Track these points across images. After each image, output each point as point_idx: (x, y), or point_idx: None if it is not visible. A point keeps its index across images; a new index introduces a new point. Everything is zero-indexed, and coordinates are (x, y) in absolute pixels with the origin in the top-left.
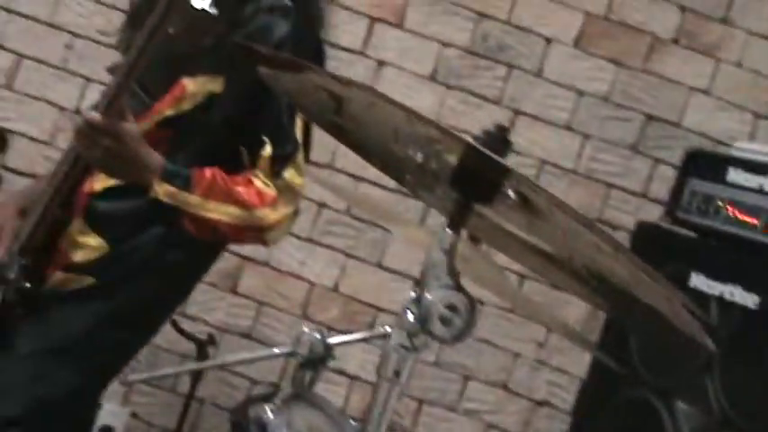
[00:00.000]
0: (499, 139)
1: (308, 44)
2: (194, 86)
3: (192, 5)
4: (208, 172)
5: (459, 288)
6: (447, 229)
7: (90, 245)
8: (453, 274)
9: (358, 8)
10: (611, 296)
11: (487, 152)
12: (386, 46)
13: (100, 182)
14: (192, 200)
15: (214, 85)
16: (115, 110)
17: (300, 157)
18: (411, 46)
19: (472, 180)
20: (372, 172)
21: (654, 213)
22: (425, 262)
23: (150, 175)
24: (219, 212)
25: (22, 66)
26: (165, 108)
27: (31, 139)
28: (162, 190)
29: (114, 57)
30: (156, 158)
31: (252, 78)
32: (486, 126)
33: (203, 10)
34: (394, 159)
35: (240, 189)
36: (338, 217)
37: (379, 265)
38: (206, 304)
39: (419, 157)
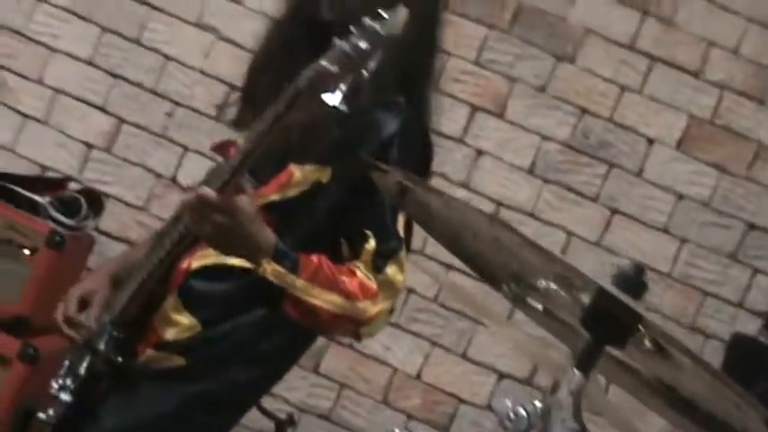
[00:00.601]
0: (635, 280)
1: (415, 143)
2: (302, 174)
3: (323, 102)
4: (315, 257)
5: None
6: (575, 370)
7: (183, 323)
8: (579, 419)
9: (460, 95)
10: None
11: (622, 298)
12: (485, 135)
13: (198, 260)
14: (299, 283)
15: (321, 174)
16: (231, 187)
17: (403, 254)
18: (511, 137)
19: (604, 322)
20: None
21: (750, 325)
22: (549, 400)
23: (260, 254)
24: (323, 299)
25: (123, 130)
26: (271, 193)
27: (126, 203)
28: (270, 269)
29: (213, 128)
30: (268, 237)
31: (358, 171)
32: (618, 263)
33: (334, 107)
34: (491, 267)
35: (344, 279)
36: (426, 304)
37: (464, 356)
38: (287, 382)
39: (542, 284)
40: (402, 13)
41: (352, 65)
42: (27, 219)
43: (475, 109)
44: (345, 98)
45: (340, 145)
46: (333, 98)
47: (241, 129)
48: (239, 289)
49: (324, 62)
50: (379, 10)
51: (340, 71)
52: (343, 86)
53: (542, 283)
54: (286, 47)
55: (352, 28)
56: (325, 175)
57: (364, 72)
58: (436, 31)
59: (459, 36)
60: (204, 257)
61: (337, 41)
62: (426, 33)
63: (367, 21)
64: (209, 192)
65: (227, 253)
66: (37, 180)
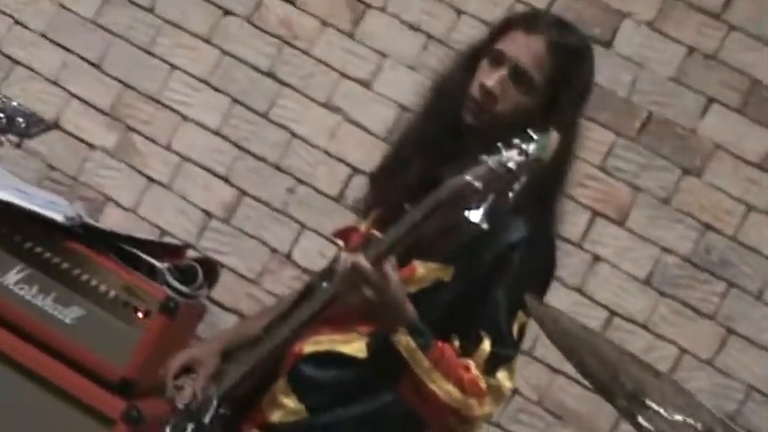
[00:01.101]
0: None
1: (541, 250)
2: (425, 271)
3: (464, 216)
4: (440, 343)
5: None
6: None
7: (289, 407)
8: None
9: (583, 200)
10: None
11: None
12: (604, 242)
13: (310, 345)
14: (425, 364)
15: (444, 273)
16: (382, 259)
17: (516, 362)
18: (630, 246)
19: None
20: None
21: None
22: None
23: (400, 324)
24: (439, 387)
25: (244, 202)
26: None
27: (239, 275)
28: (405, 341)
29: (332, 209)
30: (411, 310)
31: (481, 273)
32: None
33: (475, 225)
34: (607, 383)
35: (461, 372)
36: (529, 406)
37: None
38: None
39: (664, 413)
40: (553, 137)
41: (498, 184)
42: (144, 282)
43: (596, 214)
44: (486, 216)
45: (466, 246)
46: (475, 215)
47: (366, 215)
48: (348, 379)
49: (469, 177)
50: (529, 130)
51: (484, 188)
52: (485, 204)
53: (665, 413)
54: (422, 144)
55: (500, 145)
56: (447, 274)
57: (509, 193)
58: (575, 149)
59: (587, 140)
60: (317, 344)
61: (484, 157)
62: (567, 153)
63: (517, 141)
64: (364, 261)
65: (369, 319)
66: (157, 245)
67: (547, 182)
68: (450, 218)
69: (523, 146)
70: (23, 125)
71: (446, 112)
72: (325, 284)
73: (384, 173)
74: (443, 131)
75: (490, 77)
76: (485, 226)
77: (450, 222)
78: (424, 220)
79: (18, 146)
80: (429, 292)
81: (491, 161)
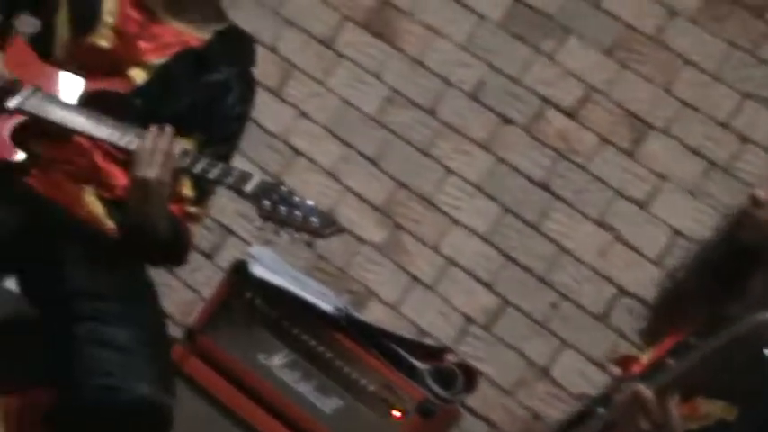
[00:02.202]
0: None
1: None
2: (708, 409)
3: (760, 356)
4: None
5: None
6: None
7: None
8: None
9: None
10: None
11: None
12: None
13: None
14: None
15: (728, 413)
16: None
17: None
18: None
19: None
20: None
21: None
22: None
23: None
24: None
25: (506, 312)
26: None
27: (494, 384)
28: None
29: (595, 329)
30: None
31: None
32: None
33: None
34: None
35: None
36: None
37: None
38: None
39: None
40: None
41: None
42: (404, 381)
43: None
44: None
45: (756, 386)
46: None
47: (648, 342)
48: None
49: None
50: None
51: None
52: None
53: None
54: (710, 270)
55: None
56: (732, 414)
57: None
58: None
59: None
60: None
61: None
62: None
63: None
64: (647, 391)
65: None
66: (418, 345)
67: None
68: (743, 355)
69: None
70: (317, 225)
71: (741, 236)
72: (600, 410)
73: (668, 299)
74: (733, 257)
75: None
76: None
77: (742, 360)
78: (714, 355)
79: (309, 245)
80: (711, 431)
81: None
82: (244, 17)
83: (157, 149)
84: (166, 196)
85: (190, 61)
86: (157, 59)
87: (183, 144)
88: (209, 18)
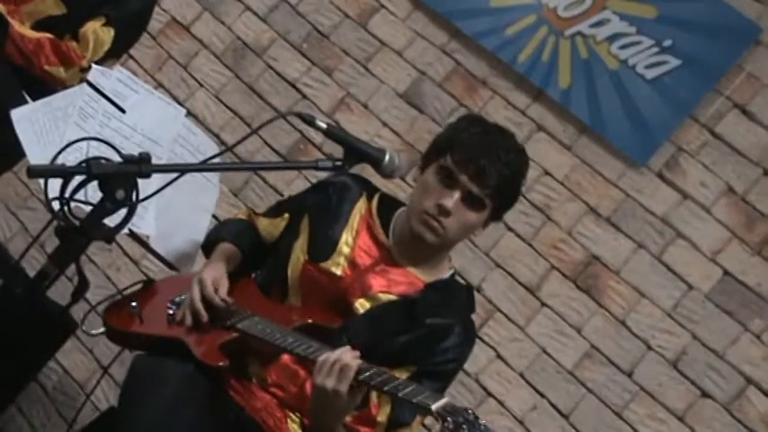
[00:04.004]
0: None
1: None
2: None
3: None
4: None
5: None
6: None
7: None
8: None
9: None
10: None
11: None
12: None
13: None
14: None
15: None
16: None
17: None
18: None
19: None
20: None
21: None
22: None
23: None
24: None
25: None
26: None
27: None
28: None
29: None
30: None
31: None
32: None
33: None
34: None
35: None
36: None
37: None
38: None
39: None
40: None
41: None
42: None
43: None
44: None
45: None
46: None
47: None
48: None
49: None
50: None
51: None
52: None
53: None
54: None
55: None
56: None
57: None
58: None
59: None
60: None
61: None
62: None
63: None
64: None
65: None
66: None
67: None
68: None
69: None
70: None
71: None
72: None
73: None
74: None
75: None
76: None
77: None
78: None
79: None
80: None
81: None
82: (455, 255)
83: (339, 360)
84: (342, 408)
85: (414, 302)
86: (384, 295)
87: (395, 373)
88: (437, 265)
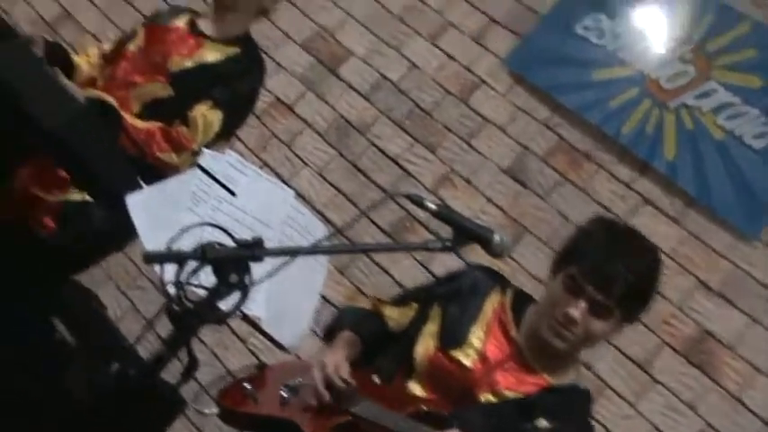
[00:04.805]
0: None
1: None
2: None
3: None
4: None
5: None
6: None
7: None
8: None
9: None
10: None
11: None
12: None
13: None
14: None
15: None
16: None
17: None
18: None
19: None
20: None
21: None
22: None
23: None
24: None
25: None
26: None
27: None
28: None
29: None
30: None
31: None
32: None
33: None
34: None
35: None
36: None
37: None
38: None
39: None
40: None
41: None
42: None
43: None
44: None
45: None
46: None
47: None
48: None
49: None
50: None
51: None
52: None
53: None
54: None
55: None
56: None
57: None
58: None
59: None
60: None
61: None
62: None
63: None
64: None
65: None
66: None
67: None
68: None
69: None
70: None
71: None
72: None
73: None
74: None
75: None
76: None
77: None
78: None
79: None
80: None
81: None
82: None
83: None
84: None
85: (531, 403)
86: (510, 392)
87: None
88: (565, 368)
